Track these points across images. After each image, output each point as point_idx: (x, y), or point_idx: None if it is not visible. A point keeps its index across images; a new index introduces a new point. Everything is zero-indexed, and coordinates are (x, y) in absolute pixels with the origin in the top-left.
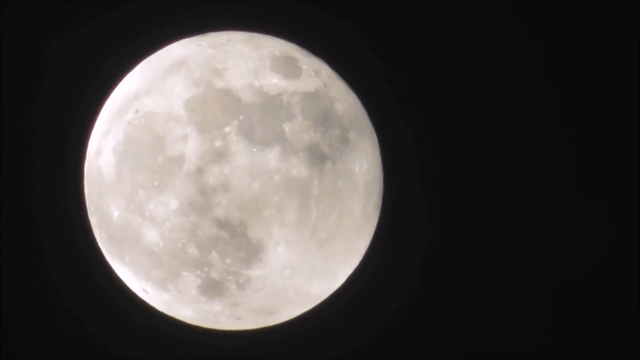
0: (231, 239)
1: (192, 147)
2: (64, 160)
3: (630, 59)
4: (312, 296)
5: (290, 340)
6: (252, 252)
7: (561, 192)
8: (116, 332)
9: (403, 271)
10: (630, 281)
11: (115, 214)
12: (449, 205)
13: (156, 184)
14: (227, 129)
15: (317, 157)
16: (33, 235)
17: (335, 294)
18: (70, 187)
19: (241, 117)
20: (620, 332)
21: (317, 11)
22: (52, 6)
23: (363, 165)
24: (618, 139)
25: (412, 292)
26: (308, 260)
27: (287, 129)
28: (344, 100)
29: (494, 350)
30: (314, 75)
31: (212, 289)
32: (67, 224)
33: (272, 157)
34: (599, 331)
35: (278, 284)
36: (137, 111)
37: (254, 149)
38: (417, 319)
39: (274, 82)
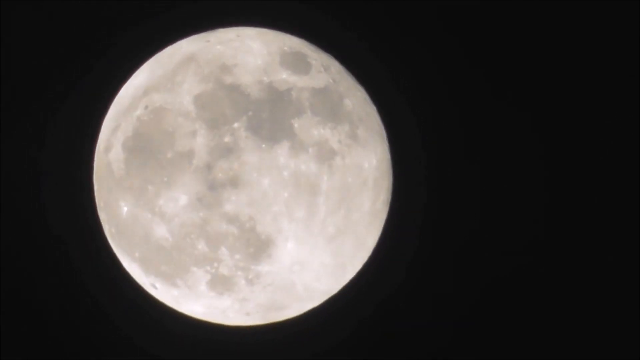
0: (240, 235)
1: (201, 142)
2: (73, 155)
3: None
4: (321, 292)
5: (299, 336)
6: (261, 247)
7: (563, 191)
8: (125, 327)
9: (412, 267)
10: (630, 281)
11: (125, 209)
12: (458, 200)
13: (165, 179)
14: (236, 125)
15: (326, 153)
16: (42, 231)
17: (344, 290)
18: (80, 183)
19: (250, 113)
20: (620, 332)
21: (326, 7)
22: (61, 2)
23: (372, 161)
24: (618, 139)
25: (420, 288)
26: (317, 256)
27: (296, 125)
28: (353, 96)
29: (498, 349)
30: (323, 71)
31: (221, 284)
32: (77, 220)
33: (281, 152)
34: (600, 331)
35: (287, 280)
36: (146, 107)
37: (263, 145)
38: (426, 315)
39: (283, 77)
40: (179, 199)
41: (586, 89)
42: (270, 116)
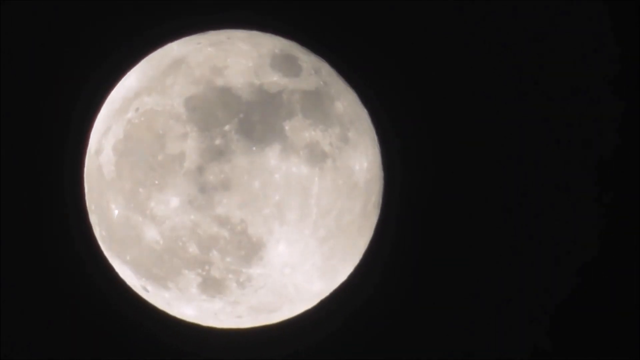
0: (231, 237)
1: (192, 145)
2: (64, 158)
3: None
4: (313, 294)
5: (291, 338)
6: (252, 250)
7: (561, 190)
8: (116, 330)
9: (403, 269)
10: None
11: (116, 212)
12: (449, 202)
13: (156, 182)
14: (227, 127)
15: (317, 155)
16: (33, 234)
17: (335, 292)
18: (71, 185)
19: (241, 116)
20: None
21: (317, 9)
22: (54, 4)
23: (363, 164)
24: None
25: (412, 290)
26: (308, 258)
27: (287, 127)
28: (344, 98)
29: (493, 348)
30: (314, 74)
31: (212, 287)
32: (67, 222)
33: (272, 155)
34: (603, 330)
35: (278, 282)
36: (137, 109)
37: (254, 147)
38: (417, 317)
39: (274, 80)
40: (170, 202)
41: (582, 89)
42: (261, 118)
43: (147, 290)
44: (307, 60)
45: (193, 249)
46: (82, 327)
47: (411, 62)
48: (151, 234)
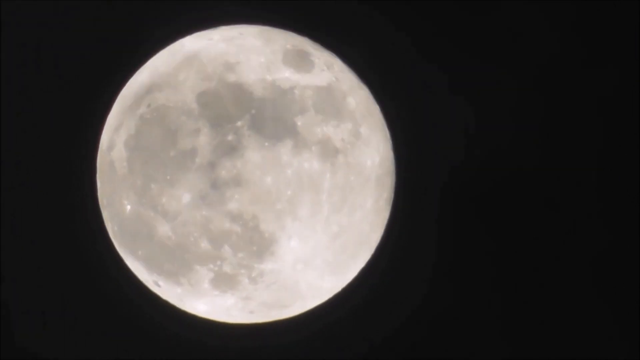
0: (243, 233)
1: (204, 141)
2: (76, 154)
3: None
4: (324, 290)
5: (302, 334)
6: (264, 246)
7: (564, 191)
8: (128, 325)
9: (415, 265)
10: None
11: (128, 207)
12: (461, 199)
13: (168, 177)
14: (239, 123)
15: (329, 151)
16: (45, 230)
17: (347, 288)
18: (83, 181)
19: (253, 111)
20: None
21: (329, 5)
22: (64, 0)
23: (375, 159)
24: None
25: (423, 286)
26: (320, 254)
27: (299, 123)
28: (356, 94)
29: (503, 348)
30: (326, 69)
31: (224, 282)
32: (80, 218)
33: (284, 151)
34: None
35: (290, 278)
36: (149, 105)
37: (266, 143)
38: (429, 314)
39: (286, 76)
40: (182, 197)
41: (584, 89)
42: (273, 114)
43: (159, 286)
44: (319, 56)
45: (205, 244)
46: (94, 322)
47: (423, 57)
48: (163, 229)
